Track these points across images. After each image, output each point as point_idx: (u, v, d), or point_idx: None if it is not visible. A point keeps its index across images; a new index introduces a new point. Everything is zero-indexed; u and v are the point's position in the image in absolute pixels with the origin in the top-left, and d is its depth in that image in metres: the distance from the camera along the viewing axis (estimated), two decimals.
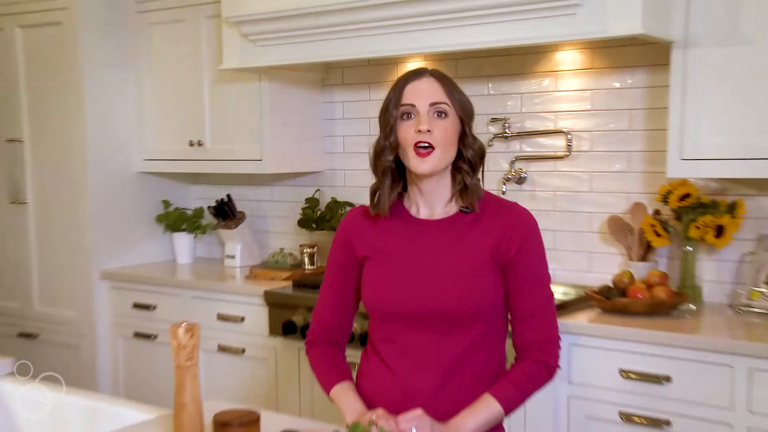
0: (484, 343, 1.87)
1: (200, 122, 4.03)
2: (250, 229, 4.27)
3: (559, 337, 1.91)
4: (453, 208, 1.90)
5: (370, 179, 3.84)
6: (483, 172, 1.93)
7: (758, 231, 3.04)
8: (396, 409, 1.78)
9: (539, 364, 1.87)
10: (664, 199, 3.06)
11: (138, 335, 4.05)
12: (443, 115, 1.83)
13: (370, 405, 1.88)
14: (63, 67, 4.11)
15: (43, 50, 4.19)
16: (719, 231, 2.96)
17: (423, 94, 1.83)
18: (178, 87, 4.11)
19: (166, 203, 4.41)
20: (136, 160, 4.29)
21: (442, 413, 1.79)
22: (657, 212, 3.17)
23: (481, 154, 1.90)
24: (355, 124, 3.97)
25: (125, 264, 4.25)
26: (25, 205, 4.35)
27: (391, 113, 1.85)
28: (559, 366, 1.91)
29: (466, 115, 1.87)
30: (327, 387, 1.95)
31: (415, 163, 1.83)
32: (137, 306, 4.04)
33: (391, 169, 1.90)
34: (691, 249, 3.04)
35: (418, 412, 1.71)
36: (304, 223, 3.98)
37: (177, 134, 4.13)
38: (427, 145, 1.81)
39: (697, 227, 2.96)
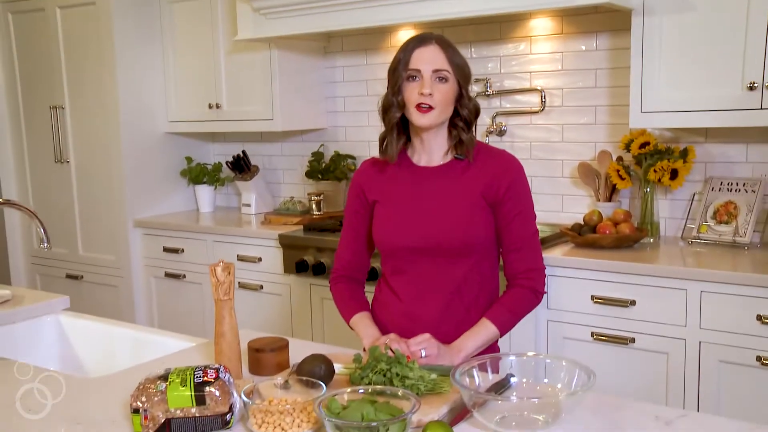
0: (479, 273, 1.89)
1: (218, 87, 3.99)
2: (263, 180, 4.25)
3: (544, 267, 1.93)
4: (449, 157, 1.90)
5: (368, 134, 3.89)
6: (476, 126, 1.92)
7: (706, 174, 3.06)
8: (404, 332, 1.80)
9: (528, 290, 1.88)
10: (627, 147, 3.06)
11: (168, 275, 4.05)
12: (444, 80, 1.82)
13: (383, 330, 1.90)
14: (97, 42, 4.05)
15: (79, 28, 4.12)
16: (673, 174, 2.97)
17: (428, 61, 1.81)
18: (197, 57, 4.05)
19: (189, 159, 4.38)
20: (162, 122, 4.25)
21: (444, 335, 1.81)
22: (620, 158, 3.17)
23: (475, 113, 1.89)
24: (354, 86, 3.93)
25: (155, 213, 4.24)
26: (68, 164, 4.32)
27: (400, 74, 1.84)
28: (545, 291, 1.93)
29: (463, 78, 1.86)
30: (347, 317, 1.97)
31: (417, 118, 1.83)
32: (167, 250, 4.04)
33: (398, 124, 1.89)
34: (649, 190, 3.04)
35: (425, 336, 1.73)
36: (311, 174, 3.96)
37: (197, 98, 4.09)
38: (427, 105, 1.81)
39: (655, 171, 2.96)
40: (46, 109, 4.33)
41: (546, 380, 1.46)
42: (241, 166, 4.16)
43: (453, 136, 1.88)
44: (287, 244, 3.49)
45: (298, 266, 3.40)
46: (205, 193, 4.35)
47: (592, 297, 2.73)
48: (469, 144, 1.87)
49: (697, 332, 2.56)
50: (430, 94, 1.80)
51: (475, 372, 1.45)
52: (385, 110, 1.89)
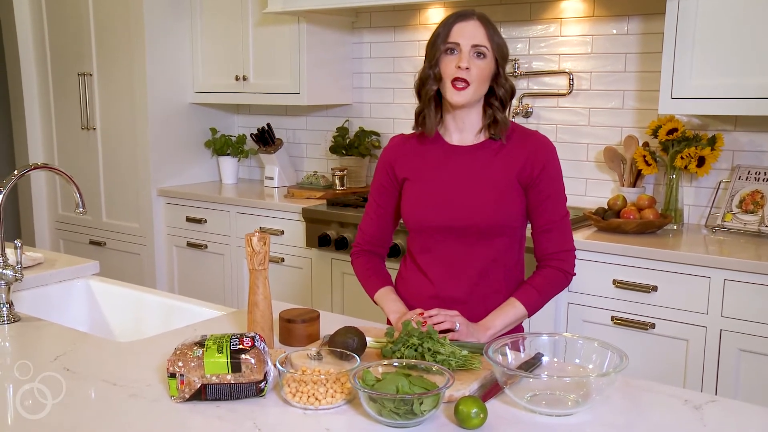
0: (508, 254, 1.89)
1: (245, 59, 3.99)
2: (286, 154, 4.26)
3: (575, 248, 1.93)
4: (482, 136, 1.89)
5: (393, 111, 3.88)
6: (510, 106, 1.92)
7: (733, 162, 3.04)
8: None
9: (557, 271, 1.88)
10: (654, 133, 3.04)
11: (190, 245, 4.08)
12: (482, 56, 1.81)
13: (408, 307, 1.91)
14: (126, 10, 4.05)
15: None
16: (700, 161, 2.95)
17: (468, 35, 1.80)
18: (225, 29, 4.05)
19: (214, 130, 4.39)
20: (189, 93, 4.26)
21: (472, 315, 1.81)
22: (646, 144, 3.15)
23: (511, 93, 1.88)
24: (381, 62, 3.92)
25: (178, 183, 4.26)
26: (94, 131, 4.34)
27: (438, 47, 1.83)
28: (575, 273, 1.93)
29: (501, 57, 1.84)
30: (371, 291, 1.97)
31: (451, 94, 1.82)
32: (190, 220, 4.06)
33: (435, 97, 1.88)
34: (674, 176, 3.03)
35: (454, 312, 1.74)
36: (335, 149, 3.96)
37: (224, 70, 4.09)
38: (463, 80, 1.80)
39: (682, 158, 2.95)
40: (74, 75, 4.35)
41: (577, 360, 1.47)
42: (266, 139, 4.17)
43: (487, 116, 1.87)
44: (310, 218, 3.50)
45: (320, 240, 3.42)
46: (228, 164, 4.37)
47: (614, 281, 2.73)
48: (503, 125, 1.86)
49: (719, 320, 2.56)
50: (467, 69, 1.79)
51: (507, 349, 1.46)
52: (422, 83, 1.88)
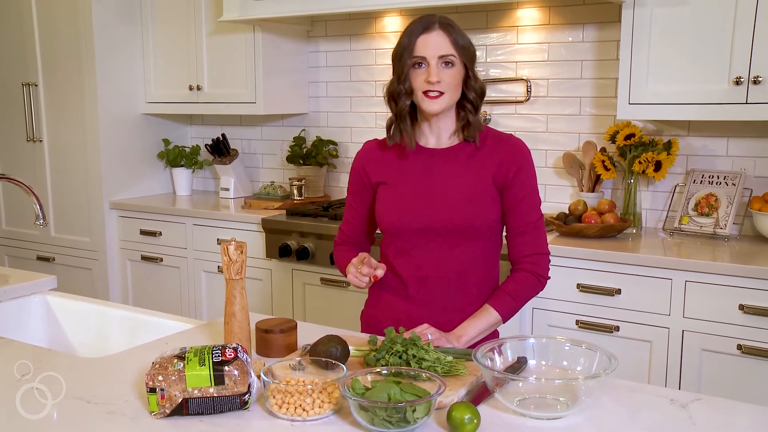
0: (483, 257, 1.88)
1: (199, 69, 3.91)
2: (242, 164, 4.19)
3: (549, 252, 1.93)
4: (456, 139, 1.89)
5: (350, 120, 3.86)
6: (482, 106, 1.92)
7: (687, 166, 3.10)
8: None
9: (530, 274, 1.88)
10: (612, 139, 3.08)
11: (145, 258, 3.98)
12: (450, 64, 1.80)
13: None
14: (74, 18, 3.94)
15: (56, 4, 4.00)
16: (657, 166, 3.00)
17: (433, 47, 1.79)
18: (178, 38, 3.97)
19: (167, 141, 4.30)
20: (141, 103, 4.16)
21: (447, 319, 1.80)
22: (603, 150, 3.19)
23: (482, 94, 1.88)
24: (337, 71, 3.89)
25: (131, 195, 4.16)
26: (41, 143, 4.20)
27: (405, 62, 1.81)
28: (548, 276, 1.93)
29: (469, 59, 1.84)
30: (342, 269, 1.93)
31: (427, 105, 1.81)
32: (144, 233, 3.96)
33: (410, 111, 1.87)
34: (632, 181, 3.07)
35: (424, 325, 1.72)
36: (292, 159, 3.92)
37: (178, 80, 4.01)
38: (436, 92, 1.79)
39: (640, 162, 2.99)
40: (18, 86, 4.21)
41: (565, 363, 1.46)
42: (221, 150, 4.10)
43: (461, 118, 1.87)
44: (270, 228, 3.45)
45: (281, 251, 3.37)
46: (182, 176, 4.28)
47: (578, 285, 2.75)
48: (476, 126, 1.86)
49: (681, 321, 2.60)
50: (438, 81, 1.79)
51: (495, 354, 1.45)
52: (393, 98, 1.87)
